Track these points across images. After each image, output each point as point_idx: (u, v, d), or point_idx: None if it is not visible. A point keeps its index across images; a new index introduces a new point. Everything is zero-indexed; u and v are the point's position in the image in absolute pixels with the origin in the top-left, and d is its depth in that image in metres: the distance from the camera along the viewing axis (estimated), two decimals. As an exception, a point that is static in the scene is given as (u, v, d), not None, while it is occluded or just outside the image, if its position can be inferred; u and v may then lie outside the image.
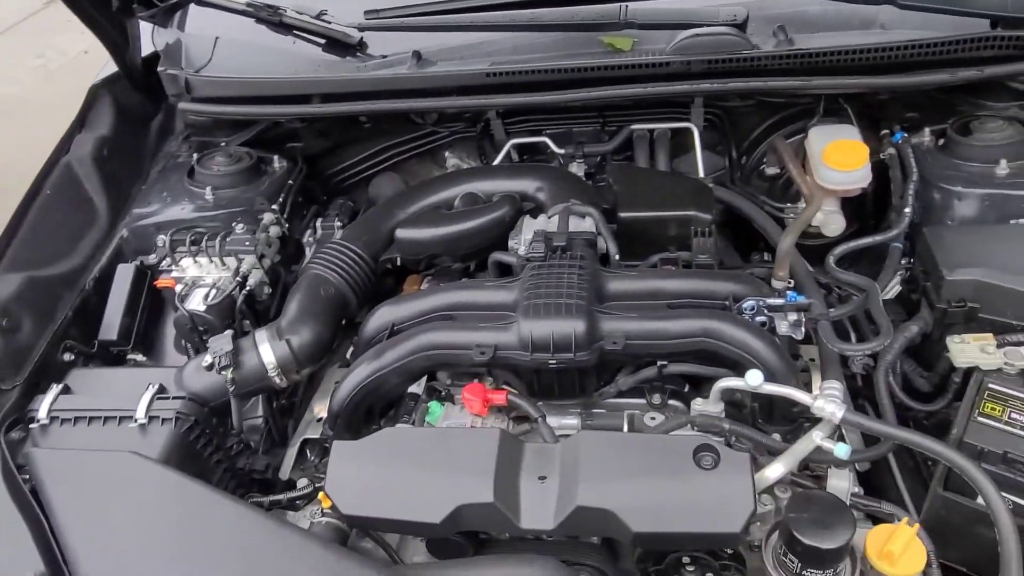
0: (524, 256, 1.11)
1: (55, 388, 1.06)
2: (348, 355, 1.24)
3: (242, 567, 0.83)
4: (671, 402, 1.04)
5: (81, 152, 1.31)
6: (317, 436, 1.11)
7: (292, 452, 1.12)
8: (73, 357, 1.16)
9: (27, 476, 0.95)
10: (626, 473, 0.84)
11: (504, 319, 1.02)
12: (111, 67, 1.44)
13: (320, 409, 1.15)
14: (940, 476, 0.90)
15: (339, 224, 1.37)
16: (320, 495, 0.97)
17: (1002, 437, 0.86)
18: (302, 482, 1.08)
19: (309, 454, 1.13)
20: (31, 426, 1.03)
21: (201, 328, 1.16)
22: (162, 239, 1.27)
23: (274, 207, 1.29)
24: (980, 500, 0.86)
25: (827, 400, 0.88)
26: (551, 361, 0.99)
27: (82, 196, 1.30)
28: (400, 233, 1.23)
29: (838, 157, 1.15)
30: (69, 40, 4.56)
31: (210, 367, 1.06)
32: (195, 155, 1.40)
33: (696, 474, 0.82)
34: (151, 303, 1.27)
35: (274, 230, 1.26)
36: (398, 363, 1.02)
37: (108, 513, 0.91)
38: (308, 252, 1.35)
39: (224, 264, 1.20)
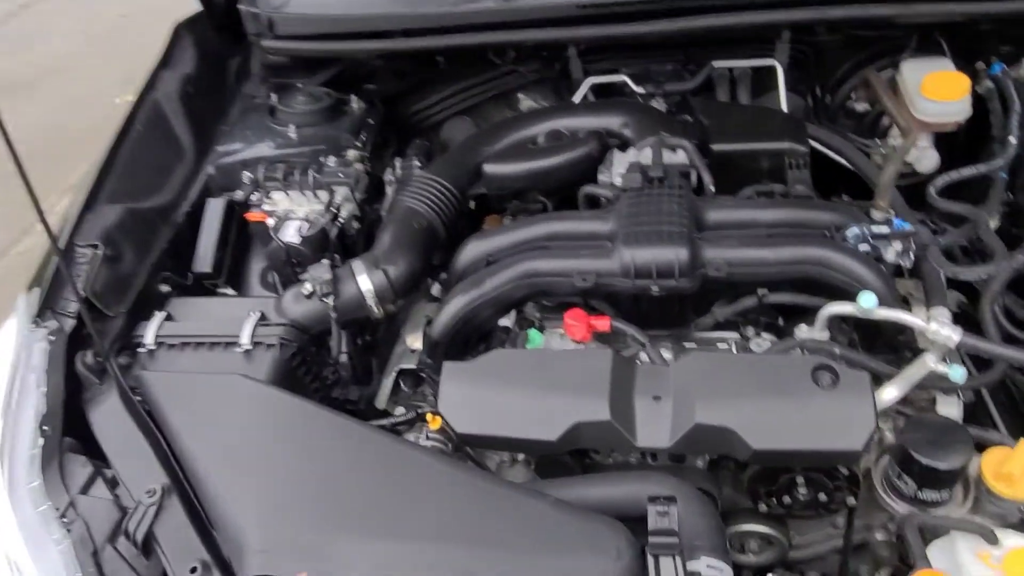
0: (620, 186, 1.10)
1: (159, 315, 1.09)
2: (433, 291, 1.26)
3: (362, 479, 0.85)
4: (765, 335, 1.04)
5: (168, 89, 1.32)
6: (412, 366, 1.13)
7: (388, 382, 1.14)
8: (169, 289, 1.18)
9: (139, 398, 0.98)
10: (743, 392, 0.84)
11: (601, 248, 1.03)
12: (187, 9, 1.45)
13: (412, 340, 1.16)
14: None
15: (417, 164, 1.37)
16: (428, 416, 0.99)
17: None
18: (399, 410, 1.10)
19: (403, 385, 1.15)
20: (139, 351, 1.06)
21: (294, 260, 1.18)
22: (248, 176, 1.28)
23: (358, 143, 1.29)
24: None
25: (941, 324, 0.88)
26: (653, 288, 0.99)
27: (170, 133, 1.31)
28: (488, 168, 1.23)
29: (937, 88, 1.13)
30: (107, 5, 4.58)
31: (310, 295, 1.07)
32: (273, 95, 1.40)
33: (815, 392, 0.82)
34: (237, 239, 1.29)
35: (359, 166, 1.27)
36: (499, 290, 1.03)
37: (221, 430, 0.93)
38: (388, 191, 1.35)
39: (316, 197, 1.21)
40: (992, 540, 0.75)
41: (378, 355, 1.26)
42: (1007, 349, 0.88)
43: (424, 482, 0.84)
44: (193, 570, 0.83)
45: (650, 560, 0.72)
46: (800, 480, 0.88)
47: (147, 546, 0.85)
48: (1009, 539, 0.75)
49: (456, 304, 1.04)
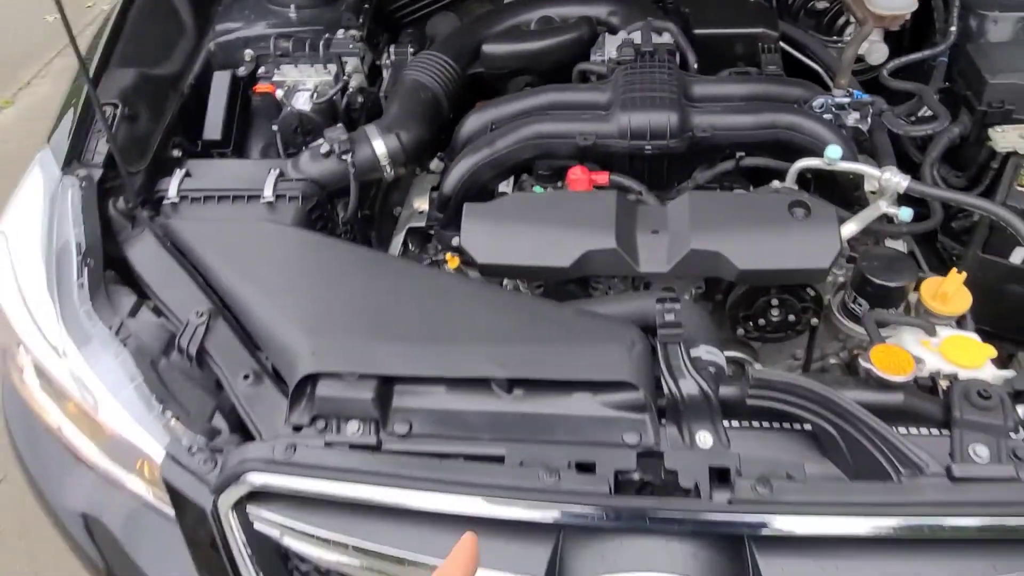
0: (615, 60, 1.21)
1: (180, 171, 1.14)
2: (431, 166, 1.35)
3: (398, 297, 0.95)
4: (738, 196, 1.18)
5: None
6: (421, 224, 1.22)
7: (398, 240, 1.23)
8: (180, 154, 1.23)
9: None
10: (730, 222, 0.97)
11: (600, 114, 1.14)
12: None
13: (420, 204, 1.25)
14: (980, 240, 1.07)
15: (411, 51, 1.44)
16: (447, 256, 1.09)
17: (1036, 201, 1.04)
18: (411, 266, 1.20)
19: (411, 245, 1.24)
20: (163, 203, 1.12)
21: (304, 128, 1.24)
22: (250, 53, 1.33)
23: (360, 22, 1.36)
24: (1014, 258, 1.04)
25: (892, 173, 1.03)
26: (647, 147, 1.11)
27: (171, 8, 1.34)
28: (486, 48, 1.32)
29: (890, -16, 1.27)
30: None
31: (328, 154, 1.15)
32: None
33: (791, 222, 0.96)
34: (240, 115, 1.34)
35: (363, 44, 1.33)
36: (508, 148, 1.13)
37: (254, 266, 1.01)
38: (385, 75, 1.42)
39: (326, 68, 1.27)
40: (932, 332, 0.91)
41: (376, 228, 1.35)
42: (947, 192, 1.04)
43: (455, 295, 0.94)
44: (246, 377, 0.91)
45: (659, 347, 0.85)
46: (774, 302, 1.02)
47: (200, 358, 0.93)
48: (944, 332, 0.91)
49: (468, 161, 1.14)
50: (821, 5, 1.45)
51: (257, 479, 0.79)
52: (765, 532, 0.72)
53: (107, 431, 0.93)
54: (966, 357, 0.87)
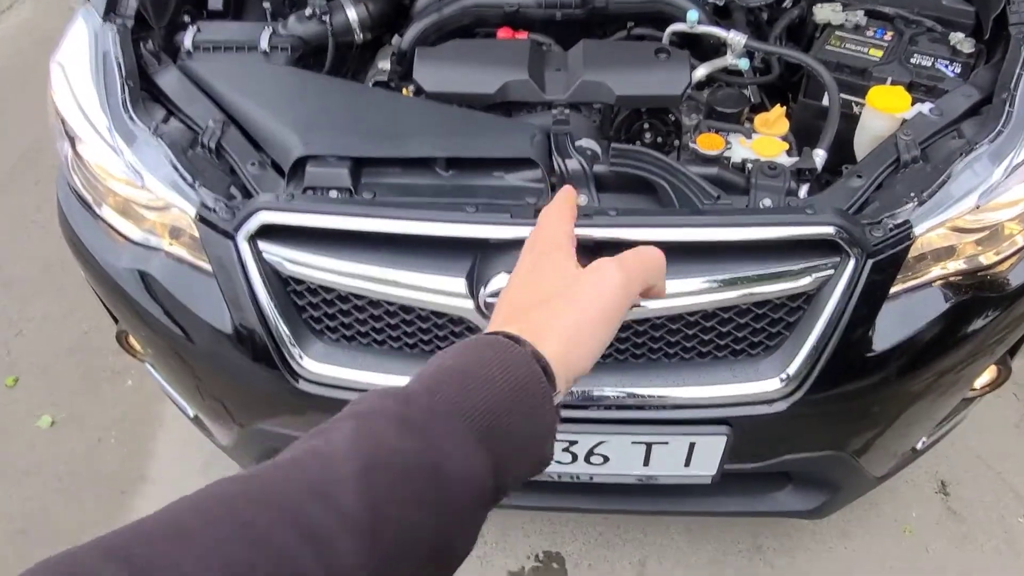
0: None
1: (192, 28, 1.45)
2: (392, 41, 1.67)
3: (372, 112, 1.28)
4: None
5: None
6: (384, 78, 1.54)
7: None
8: (190, 20, 1.54)
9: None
10: (613, 61, 1.32)
11: (523, -10, 1.48)
12: None
13: (383, 64, 1.57)
14: (803, 88, 1.44)
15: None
16: (404, 91, 1.42)
17: (838, 56, 1.40)
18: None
19: (376, 96, 1.57)
20: (180, 51, 1.43)
21: (289, 1, 1.55)
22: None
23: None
24: (824, 101, 1.41)
25: (735, 33, 1.39)
26: (557, 15, 1.45)
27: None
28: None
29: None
30: None
31: (311, 16, 1.47)
32: None
33: (656, 62, 1.31)
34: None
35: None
36: (451, 15, 1.46)
37: (257, 91, 1.32)
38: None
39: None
40: (749, 136, 1.28)
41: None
42: (775, 47, 1.40)
43: (409, 107, 1.28)
44: (252, 164, 1.24)
45: (552, 136, 1.20)
46: (646, 126, 1.38)
47: (218, 152, 1.25)
48: (757, 136, 1.28)
49: (421, 23, 1.47)
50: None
51: (265, 216, 1.12)
52: (616, 237, 1.07)
53: (150, 210, 1.25)
54: (767, 149, 1.24)
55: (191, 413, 1.56)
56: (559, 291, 0.59)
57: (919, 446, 1.43)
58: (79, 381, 2.15)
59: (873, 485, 1.46)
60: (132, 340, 1.54)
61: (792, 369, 1.13)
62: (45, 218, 2.65)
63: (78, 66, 1.32)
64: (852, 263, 1.08)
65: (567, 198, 0.74)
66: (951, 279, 1.19)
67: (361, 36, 1.51)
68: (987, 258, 1.21)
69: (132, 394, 2.12)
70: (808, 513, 1.39)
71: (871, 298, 1.11)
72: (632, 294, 0.61)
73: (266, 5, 1.59)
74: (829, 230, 1.07)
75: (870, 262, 1.09)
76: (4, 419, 2.08)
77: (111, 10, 1.39)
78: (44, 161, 2.88)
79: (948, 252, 1.19)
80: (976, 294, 1.19)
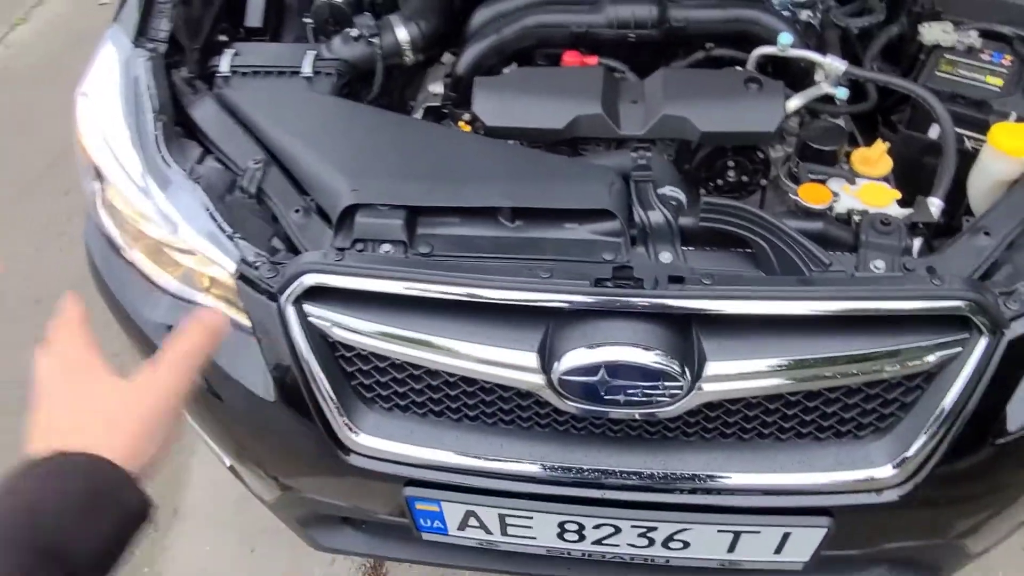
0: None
1: (230, 50, 1.33)
2: (444, 59, 1.53)
3: (425, 149, 1.15)
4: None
5: None
6: (437, 104, 1.41)
7: (417, 116, 1.42)
8: (226, 39, 1.41)
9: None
10: (696, 94, 1.18)
11: (591, 7, 1.33)
12: None
13: (434, 87, 1.44)
14: (905, 119, 1.28)
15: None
16: (460, 124, 1.29)
17: (951, 84, 1.24)
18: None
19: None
20: (216, 76, 1.31)
21: (334, 18, 1.42)
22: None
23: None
24: (931, 133, 1.25)
25: (833, 58, 1.23)
26: (631, 35, 1.31)
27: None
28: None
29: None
30: None
31: (357, 38, 1.33)
32: None
33: (745, 94, 1.17)
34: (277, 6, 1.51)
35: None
36: (512, 36, 1.32)
37: (299, 126, 1.20)
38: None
39: (353, -34, 1.45)
40: (852, 181, 1.13)
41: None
42: (877, 74, 1.25)
43: (468, 147, 1.15)
44: (297, 210, 1.12)
45: (632, 184, 1.07)
46: (730, 164, 1.24)
47: (259, 197, 1.13)
48: (862, 182, 1.13)
49: (479, 46, 1.33)
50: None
51: (311, 279, 1.00)
52: (706, 310, 0.94)
53: (185, 254, 1.14)
54: (876, 198, 1.09)
55: (227, 463, 1.46)
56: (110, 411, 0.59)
57: (1027, 521, 1.29)
58: (110, 405, 2.07)
59: (971, 560, 1.32)
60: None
61: (908, 454, 0.99)
62: (75, 230, 2.55)
63: (106, 98, 1.21)
64: (985, 341, 0.94)
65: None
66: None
67: (412, 57, 1.38)
68: None
69: (165, 421, 2.03)
70: (901, 595, 1.26)
71: (1005, 379, 0.96)
72: (182, 386, 0.62)
73: (307, 21, 1.46)
74: (959, 304, 0.92)
75: (1005, 339, 0.95)
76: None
77: (142, 34, 1.27)
78: (73, 168, 2.79)
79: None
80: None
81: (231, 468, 1.47)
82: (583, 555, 1.16)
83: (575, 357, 0.95)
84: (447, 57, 1.52)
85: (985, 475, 1.03)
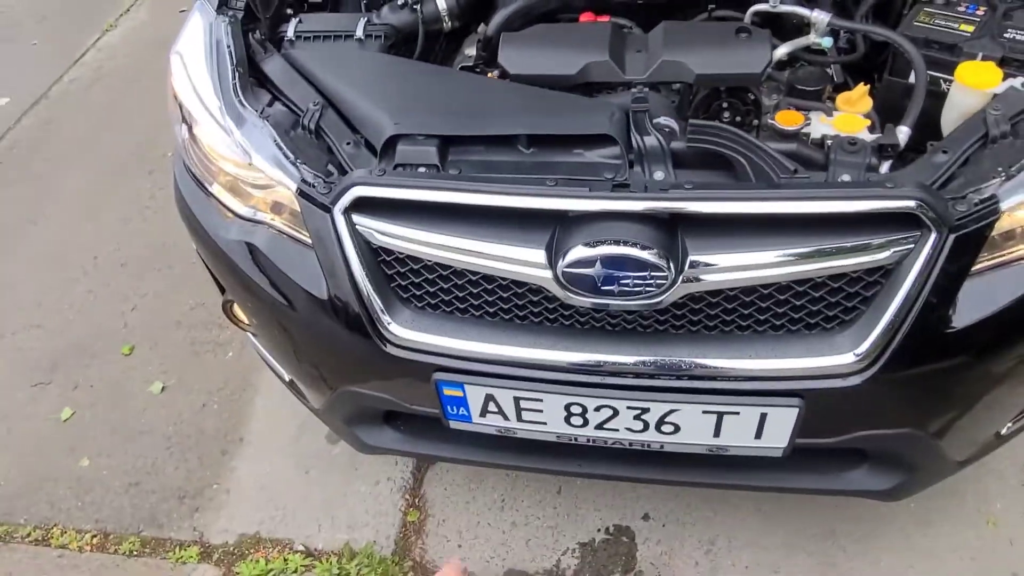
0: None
1: (294, 19, 1.56)
2: (477, 30, 1.74)
3: (458, 93, 1.35)
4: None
5: None
6: (471, 64, 1.61)
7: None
8: (292, 11, 1.65)
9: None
10: (692, 42, 1.35)
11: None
12: None
13: (469, 51, 1.64)
14: (888, 66, 1.42)
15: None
16: (489, 74, 1.49)
17: (927, 31, 1.37)
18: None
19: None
20: (284, 41, 1.54)
21: (384, -8, 1.65)
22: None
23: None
24: (910, 79, 1.38)
25: (818, 12, 1.39)
26: (639, -2, 1.49)
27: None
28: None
29: None
30: None
31: (403, 6, 1.55)
32: None
33: (737, 40, 1.33)
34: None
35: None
36: (537, 1, 1.52)
37: (353, 76, 1.42)
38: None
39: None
40: (829, 114, 1.27)
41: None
42: (860, 24, 1.39)
43: (492, 88, 1.35)
44: (348, 143, 1.33)
45: (631, 114, 1.24)
46: (724, 105, 1.40)
47: (317, 133, 1.35)
48: (839, 113, 1.27)
49: (507, 10, 1.53)
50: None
51: (359, 191, 1.21)
52: (692, 210, 1.10)
53: (256, 188, 1.37)
54: (848, 126, 1.24)
55: (287, 378, 1.68)
56: None
57: (1003, 431, 1.39)
58: (186, 351, 2.33)
59: (953, 470, 1.43)
60: (237, 310, 1.67)
61: (868, 343, 1.13)
62: (158, 204, 2.87)
63: (194, 55, 1.45)
64: (933, 237, 1.08)
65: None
66: (1041, 256, 1.16)
67: (449, 24, 1.59)
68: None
69: (232, 364, 2.28)
70: (883, 494, 1.38)
71: (952, 274, 1.10)
72: None
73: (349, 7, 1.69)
74: (910, 204, 1.06)
75: (952, 237, 1.08)
76: (122, 383, 2.28)
77: (224, 3, 1.51)
78: (156, 152, 3.11)
79: (1038, 230, 1.16)
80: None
81: (290, 383, 1.68)
82: (588, 441, 1.32)
83: (576, 253, 1.13)
84: (480, 27, 1.73)
85: (940, 364, 1.15)
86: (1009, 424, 1.41)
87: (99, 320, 2.48)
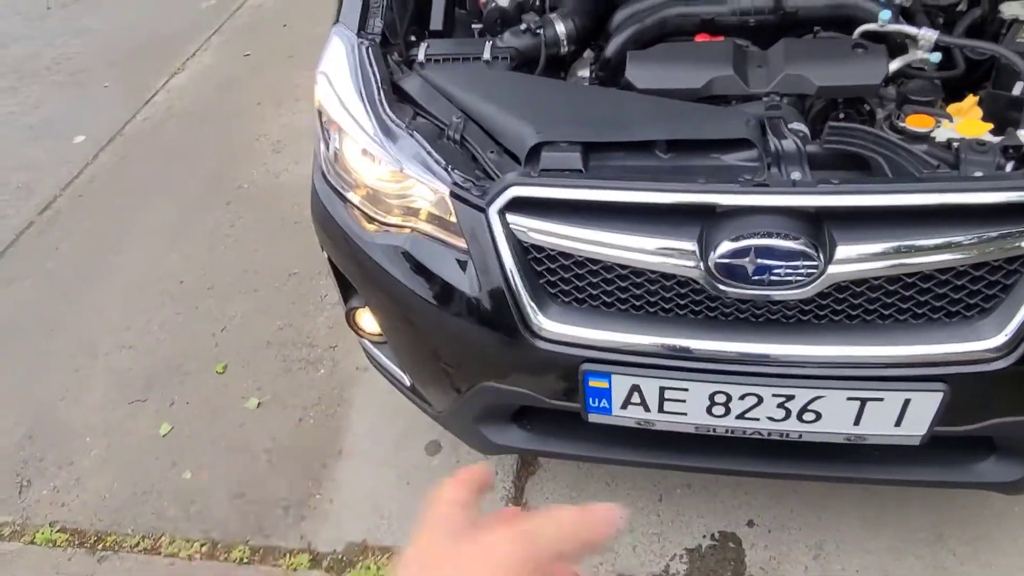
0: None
1: (424, 43, 1.68)
2: (585, 54, 1.85)
3: (591, 105, 1.45)
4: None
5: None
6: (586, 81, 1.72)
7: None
8: (415, 39, 1.77)
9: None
10: (812, 57, 1.45)
11: (717, 1, 1.63)
12: None
13: (582, 72, 1.75)
14: (992, 80, 1.51)
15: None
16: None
17: (1030, 46, 1.47)
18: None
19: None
20: (415, 63, 1.65)
21: (501, 20, 1.76)
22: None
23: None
24: (1015, 91, 1.48)
25: (927, 29, 1.49)
26: (751, 20, 1.59)
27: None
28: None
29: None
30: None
31: (525, 31, 1.66)
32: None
33: (854, 55, 1.43)
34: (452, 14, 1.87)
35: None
36: (653, 24, 1.63)
37: (486, 92, 1.52)
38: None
39: (516, -20, 1.80)
40: (951, 120, 1.36)
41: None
42: (965, 40, 1.49)
43: (627, 100, 1.44)
44: (491, 152, 1.43)
45: (767, 120, 1.33)
46: (841, 115, 1.49)
47: (462, 143, 1.44)
48: (958, 119, 1.36)
49: (625, 33, 1.64)
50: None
51: (515, 191, 1.29)
52: (842, 204, 1.18)
53: (395, 199, 1.46)
54: (972, 130, 1.32)
55: (407, 383, 1.74)
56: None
57: None
58: (278, 369, 2.40)
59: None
60: (360, 318, 1.74)
61: (1011, 328, 1.19)
62: (238, 232, 2.97)
63: (340, 74, 1.56)
64: (1071, 225, 1.15)
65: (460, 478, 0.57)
66: None
67: (567, 47, 1.70)
68: None
69: (325, 380, 2.34)
70: (1008, 486, 1.42)
71: (1090, 261, 1.17)
72: (534, 566, 0.48)
73: (476, 26, 1.81)
74: (1048, 194, 1.14)
75: (1086, 225, 1.15)
76: (218, 400, 2.34)
77: (363, 28, 1.63)
78: (230, 185, 3.24)
79: None
80: None
81: (411, 387, 1.74)
82: (727, 431, 1.37)
83: (728, 245, 1.20)
84: (587, 53, 1.84)
85: (1079, 349, 1.21)
86: None
87: (189, 340, 2.55)
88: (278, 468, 2.13)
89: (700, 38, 1.61)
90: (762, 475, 1.56)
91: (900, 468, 1.43)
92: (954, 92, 1.59)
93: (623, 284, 1.32)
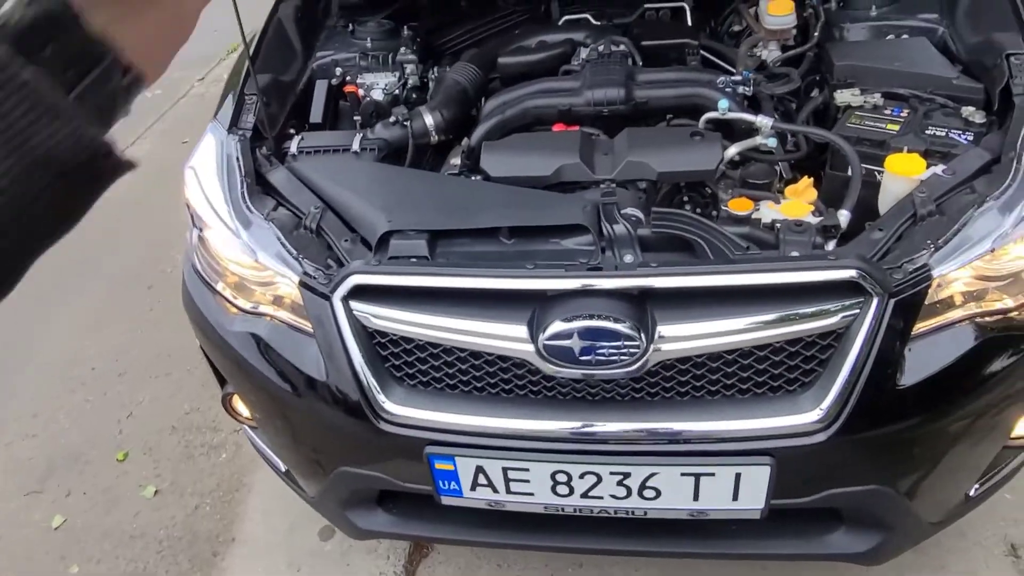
0: (585, 60, 1.80)
1: (297, 136, 1.74)
2: (462, 144, 1.93)
3: (445, 196, 1.51)
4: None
5: (286, 13, 1.99)
6: (456, 172, 1.78)
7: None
8: (294, 131, 1.84)
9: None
10: (653, 144, 1.52)
11: (574, 92, 1.72)
12: None
13: (455, 160, 1.82)
14: (829, 162, 1.60)
15: (447, 70, 2.05)
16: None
17: (858, 131, 1.56)
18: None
19: (448, 187, 1.81)
20: (287, 155, 1.71)
21: (376, 112, 1.84)
22: (339, 69, 1.95)
23: (412, 51, 1.97)
24: (848, 172, 1.56)
25: (764, 116, 1.58)
26: (604, 111, 1.68)
27: (288, 41, 1.97)
28: (501, 60, 1.92)
29: (776, 8, 1.85)
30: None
31: (394, 123, 1.74)
32: (351, 23, 2.08)
33: (691, 143, 1.51)
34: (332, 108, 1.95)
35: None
36: (513, 115, 1.70)
37: (349, 183, 1.58)
38: (431, 85, 2.02)
39: (392, 74, 1.88)
40: (778, 202, 1.43)
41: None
42: (803, 127, 1.58)
43: (475, 189, 1.50)
44: (345, 240, 1.47)
45: (601, 206, 1.39)
46: (685, 199, 1.56)
47: (318, 232, 1.49)
48: (786, 201, 1.43)
49: (489, 123, 1.71)
50: (736, 28, 2.04)
51: (356, 279, 1.33)
52: (658, 286, 1.23)
53: (259, 286, 1.49)
54: (794, 211, 1.39)
55: (283, 468, 1.73)
56: None
57: (971, 493, 1.46)
58: (180, 455, 2.37)
59: (929, 532, 1.48)
60: (236, 403, 1.74)
61: (827, 402, 1.23)
62: (156, 316, 2.97)
63: (207, 168, 1.61)
64: (876, 303, 1.20)
65: None
66: (978, 319, 1.28)
67: (436, 138, 1.77)
68: (1015, 300, 1.30)
69: (226, 465, 2.31)
70: (862, 557, 1.43)
71: (896, 335, 1.21)
72: None
73: (356, 118, 1.88)
74: (852, 273, 1.20)
75: (892, 302, 1.21)
76: (115, 489, 2.29)
77: (234, 124, 1.69)
78: (155, 269, 3.25)
79: (974, 296, 1.29)
80: (1003, 333, 1.27)
81: (286, 473, 1.73)
82: (576, 510, 1.38)
83: (555, 327, 1.24)
84: (464, 142, 1.92)
85: (895, 421, 1.25)
86: (976, 486, 1.48)
87: (94, 428, 2.52)
88: (169, 559, 2.08)
89: (558, 127, 1.69)
90: (620, 553, 1.55)
91: (753, 542, 1.44)
92: (807, 172, 1.68)
93: (464, 367, 1.34)
